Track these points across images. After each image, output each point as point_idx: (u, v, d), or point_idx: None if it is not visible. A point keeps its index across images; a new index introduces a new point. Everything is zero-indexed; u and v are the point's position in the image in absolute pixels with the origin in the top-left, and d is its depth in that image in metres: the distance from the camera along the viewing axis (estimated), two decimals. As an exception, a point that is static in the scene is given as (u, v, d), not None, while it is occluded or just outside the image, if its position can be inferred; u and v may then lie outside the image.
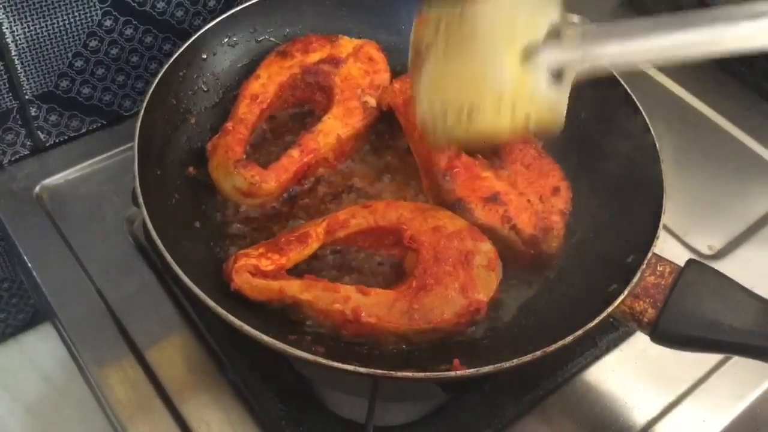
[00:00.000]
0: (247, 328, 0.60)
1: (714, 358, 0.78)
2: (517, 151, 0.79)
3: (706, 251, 0.89)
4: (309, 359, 0.60)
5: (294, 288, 0.67)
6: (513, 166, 0.78)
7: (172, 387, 0.72)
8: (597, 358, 0.77)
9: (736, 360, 0.77)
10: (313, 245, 0.70)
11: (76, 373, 0.78)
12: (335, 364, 0.60)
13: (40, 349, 1.03)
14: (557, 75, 0.59)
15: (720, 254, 0.88)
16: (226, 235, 0.76)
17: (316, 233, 0.70)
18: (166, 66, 0.78)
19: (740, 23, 0.55)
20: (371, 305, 0.66)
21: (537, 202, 0.76)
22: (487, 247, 0.71)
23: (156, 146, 0.76)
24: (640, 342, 0.77)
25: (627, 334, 0.78)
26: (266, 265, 0.67)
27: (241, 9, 0.86)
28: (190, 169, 0.79)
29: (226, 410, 0.71)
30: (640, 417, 0.74)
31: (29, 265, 0.80)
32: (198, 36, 0.82)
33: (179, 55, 0.80)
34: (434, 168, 0.76)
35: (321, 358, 0.60)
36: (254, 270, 0.67)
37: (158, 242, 0.65)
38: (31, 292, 0.91)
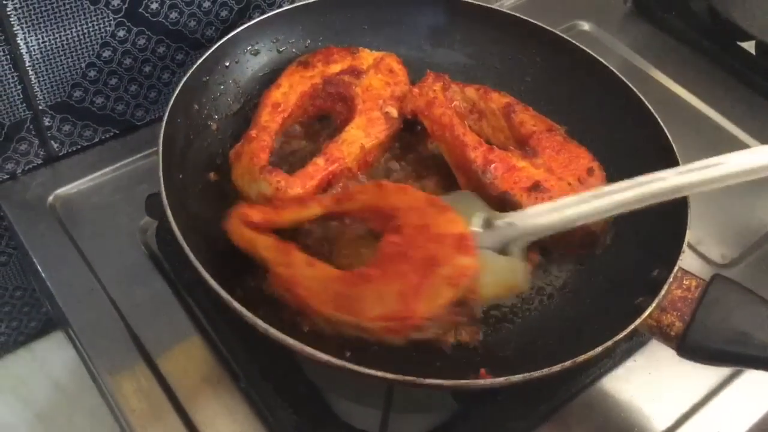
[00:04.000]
0: (272, 330, 0.59)
1: (728, 368, 0.77)
2: (545, 139, 0.79)
3: (719, 260, 0.88)
4: (337, 364, 0.59)
5: (260, 243, 0.65)
6: (544, 153, 0.78)
7: (185, 396, 0.72)
8: (611, 368, 0.77)
9: (751, 370, 0.77)
10: (313, 209, 0.69)
11: (87, 381, 0.78)
12: (363, 369, 0.58)
13: (51, 357, 1.04)
14: (503, 251, 0.69)
15: (733, 263, 0.88)
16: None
17: (320, 199, 0.69)
18: (190, 71, 0.78)
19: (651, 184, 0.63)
20: (309, 278, 0.62)
21: (577, 184, 0.76)
22: (465, 262, 0.61)
23: (178, 151, 0.76)
24: (654, 352, 0.77)
25: (641, 344, 0.78)
26: (255, 215, 0.67)
27: (264, 18, 0.86)
28: (211, 174, 0.79)
29: (238, 419, 0.71)
30: (654, 427, 0.74)
31: (42, 273, 0.80)
32: (221, 43, 0.82)
33: (203, 61, 0.80)
34: (471, 165, 0.76)
35: (348, 363, 0.59)
36: (244, 218, 0.66)
37: (186, 249, 0.64)
38: (44, 301, 0.92)
